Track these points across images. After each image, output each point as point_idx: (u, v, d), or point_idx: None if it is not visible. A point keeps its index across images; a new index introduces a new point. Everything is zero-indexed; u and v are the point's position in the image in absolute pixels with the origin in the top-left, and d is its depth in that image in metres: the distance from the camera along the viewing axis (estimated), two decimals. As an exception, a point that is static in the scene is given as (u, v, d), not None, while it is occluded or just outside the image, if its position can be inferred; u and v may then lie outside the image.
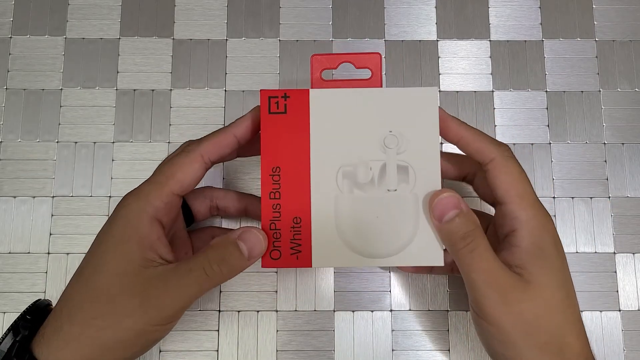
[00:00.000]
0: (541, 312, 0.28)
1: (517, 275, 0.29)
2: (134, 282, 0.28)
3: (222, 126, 0.41)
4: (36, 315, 0.30)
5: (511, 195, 0.30)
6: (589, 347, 0.29)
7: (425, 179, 0.30)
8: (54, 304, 0.31)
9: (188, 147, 0.31)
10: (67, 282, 0.30)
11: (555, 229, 0.31)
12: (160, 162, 0.31)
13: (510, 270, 0.29)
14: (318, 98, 0.31)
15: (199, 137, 0.32)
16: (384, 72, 0.42)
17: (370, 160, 0.30)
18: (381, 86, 0.32)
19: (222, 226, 0.40)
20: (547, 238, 0.30)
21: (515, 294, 0.28)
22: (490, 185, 0.31)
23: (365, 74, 0.33)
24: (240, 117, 0.32)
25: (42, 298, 0.31)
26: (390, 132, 0.30)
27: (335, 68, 0.32)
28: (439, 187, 0.30)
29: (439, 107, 0.31)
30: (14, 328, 0.29)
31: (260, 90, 0.31)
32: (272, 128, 0.31)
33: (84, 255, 0.30)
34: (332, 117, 0.31)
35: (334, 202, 0.30)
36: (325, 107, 0.31)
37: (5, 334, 0.29)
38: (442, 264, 0.30)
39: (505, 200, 0.30)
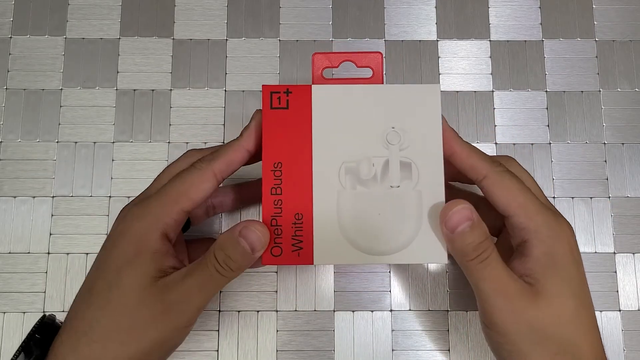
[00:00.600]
0: (551, 322, 0.28)
1: (527, 285, 0.28)
2: (149, 292, 0.28)
3: (222, 125, 0.41)
4: (45, 334, 0.29)
5: (513, 208, 0.29)
6: (604, 356, 0.29)
7: (428, 176, 0.30)
8: (56, 316, 0.31)
9: (201, 164, 0.30)
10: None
11: (573, 233, 0.30)
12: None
13: (520, 280, 0.28)
14: (320, 93, 0.30)
15: (201, 141, 0.32)
16: (384, 72, 0.42)
17: (373, 157, 0.30)
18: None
19: (223, 227, 0.40)
20: (560, 245, 0.29)
21: (524, 303, 0.28)
22: (491, 202, 0.30)
23: (367, 73, 0.33)
24: (247, 128, 0.31)
25: (46, 314, 0.31)
26: (393, 128, 0.30)
27: (337, 67, 0.32)
28: (442, 184, 0.30)
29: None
30: (26, 348, 0.28)
31: (262, 85, 0.30)
32: (274, 123, 0.30)
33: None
34: (335, 112, 0.30)
35: (336, 198, 0.30)
36: (328, 102, 0.30)
37: (17, 355, 0.28)
38: (446, 262, 0.30)
39: (509, 213, 0.29)
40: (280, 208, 0.30)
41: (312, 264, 0.30)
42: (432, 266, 0.40)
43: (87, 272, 0.31)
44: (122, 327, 0.28)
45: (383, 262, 0.31)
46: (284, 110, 0.30)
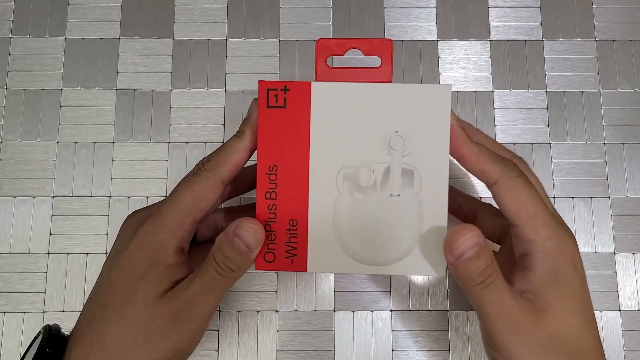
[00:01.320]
0: (555, 340, 0.27)
1: (530, 303, 0.28)
2: (160, 304, 0.28)
3: (222, 125, 0.41)
4: (55, 347, 0.29)
5: (521, 217, 0.28)
6: None
7: (431, 185, 0.28)
8: (60, 326, 0.30)
9: (207, 172, 0.29)
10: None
11: (576, 246, 0.29)
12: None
13: (523, 298, 0.28)
14: (320, 92, 0.28)
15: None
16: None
17: (373, 162, 0.28)
18: (390, 76, 0.29)
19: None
20: (563, 259, 0.28)
21: (527, 324, 0.27)
22: (499, 208, 0.29)
23: (375, 61, 0.31)
24: (248, 124, 0.30)
25: (50, 325, 0.30)
26: (397, 132, 0.28)
27: (342, 55, 0.29)
28: (446, 194, 0.28)
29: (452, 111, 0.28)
30: None
31: (259, 81, 0.28)
32: (270, 123, 0.28)
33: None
34: (335, 113, 0.28)
35: (332, 205, 0.29)
36: (328, 102, 0.28)
37: None
38: (443, 275, 0.29)
39: (516, 223, 0.28)
40: (275, 213, 0.29)
41: (306, 271, 0.29)
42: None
43: (96, 278, 0.31)
44: (136, 340, 0.28)
45: (379, 273, 0.29)
46: (281, 110, 0.28)
